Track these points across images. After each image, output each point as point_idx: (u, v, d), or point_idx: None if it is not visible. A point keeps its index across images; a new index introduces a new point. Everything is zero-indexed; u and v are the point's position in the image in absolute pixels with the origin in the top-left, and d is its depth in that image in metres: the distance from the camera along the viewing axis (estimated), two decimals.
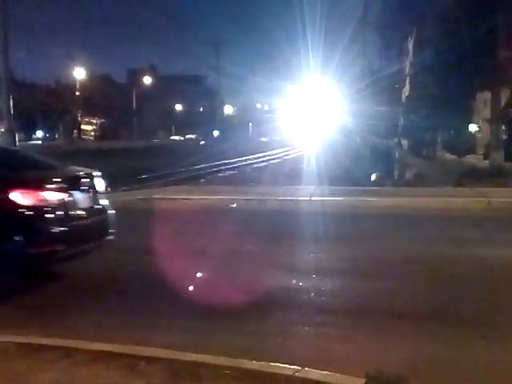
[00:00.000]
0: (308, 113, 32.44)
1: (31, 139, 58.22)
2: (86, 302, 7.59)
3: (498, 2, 24.87)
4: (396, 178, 26.13)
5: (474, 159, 31.69)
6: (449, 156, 33.19)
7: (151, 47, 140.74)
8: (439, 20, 26.44)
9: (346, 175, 21.98)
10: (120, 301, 7.57)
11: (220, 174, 33.37)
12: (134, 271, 9.05)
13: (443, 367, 5.41)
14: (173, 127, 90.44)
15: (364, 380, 4.44)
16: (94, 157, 35.53)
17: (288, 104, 37.56)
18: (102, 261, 9.02)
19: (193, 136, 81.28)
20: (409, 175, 26.02)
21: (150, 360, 5.24)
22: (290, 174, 25.54)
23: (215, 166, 36.22)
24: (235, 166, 38.58)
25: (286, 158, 45.88)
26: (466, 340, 6.07)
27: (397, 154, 29.51)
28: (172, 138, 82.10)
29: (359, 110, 28.89)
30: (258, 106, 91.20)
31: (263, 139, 68.92)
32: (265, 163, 40.89)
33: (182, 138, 78.89)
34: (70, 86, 74.34)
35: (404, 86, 30.51)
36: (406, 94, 30.29)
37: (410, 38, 29.79)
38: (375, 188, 19.50)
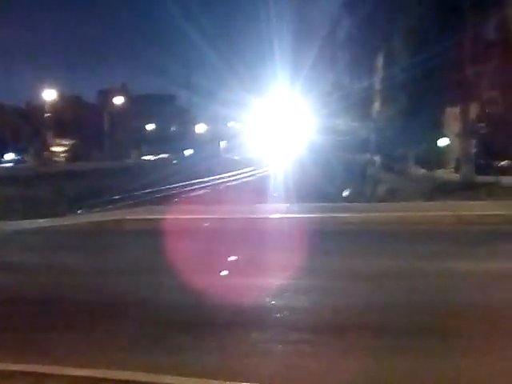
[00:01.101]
0: (279, 129, 32.48)
1: (1, 162, 57.53)
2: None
3: (465, 17, 25.22)
4: (368, 193, 26.20)
5: (445, 173, 31.94)
6: (420, 170, 33.41)
7: (122, 66, 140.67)
8: (407, 36, 26.74)
9: (317, 192, 21.93)
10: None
11: (193, 194, 33.21)
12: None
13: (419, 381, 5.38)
14: (145, 147, 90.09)
15: None
16: (67, 179, 35.27)
17: (258, 120, 37.54)
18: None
19: (165, 155, 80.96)
20: (381, 191, 26.09)
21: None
22: (263, 191, 25.49)
23: (188, 185, 36.06)
24: (208, 184, 38.44)
25: (257, 175, 45.84)
26: (443, 354, 6.04)
27: (368, 170, 29.63)
28: (144, 157, 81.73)
29: (330, 126, 29.03)
30: (230, 123, 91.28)
31: (235, 157, 68.85)
32: (237, 181, 40.73)
33: (154, 158, 78.54)
34: (41, 108, 73.86)
35: (375, 102, 30.76)
36: (377, 109, 30.53)
37: (378, 54, 30.09)
38: (347, 204, 19.51)
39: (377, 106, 30.45)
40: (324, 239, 12.97)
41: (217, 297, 8.28)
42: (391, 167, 31.57)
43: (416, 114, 27.04)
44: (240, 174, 46.28)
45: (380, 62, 29.99)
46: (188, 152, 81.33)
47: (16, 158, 70.23)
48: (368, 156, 32.68)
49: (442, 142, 35.91)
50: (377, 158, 32.67)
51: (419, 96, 27.17)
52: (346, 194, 23.96)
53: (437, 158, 32.82)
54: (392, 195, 23.12)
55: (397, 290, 8.52)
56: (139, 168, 43.20)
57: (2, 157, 67.28)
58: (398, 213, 16.07)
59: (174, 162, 68.51)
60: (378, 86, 30.50)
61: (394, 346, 6.27)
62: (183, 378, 5.32)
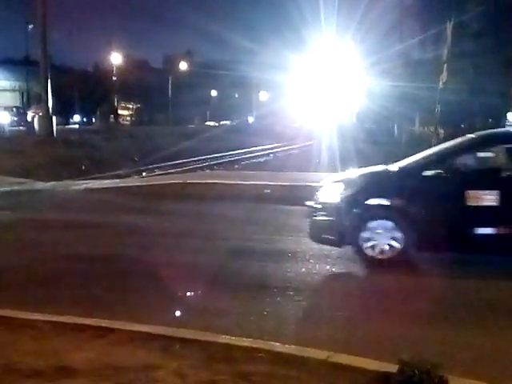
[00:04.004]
0: (338, 97, 32.11)
1: (69, 123, 58.71)
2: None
3: None
4: None
5: None
6: None
7: (188, 33, 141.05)
8: (479, 5, 25.98)
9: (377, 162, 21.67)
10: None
11: (254, 160, 33.36)
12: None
13: None
14: (208, 113, 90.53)
15: (397, 366, 4.43)
16: (132, 141, 35.82)
17: (322, 89, 37.15)
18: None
19: (228, 122, 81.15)
20: None
21: (184, 342, 5.30)
22: (327, 160, 25.32)
23: (248, 152, 36.21)
24: (269, 151, 38.50)
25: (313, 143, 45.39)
26: None
27: (433, 143, 29.09)
28: (207, 123, 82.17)
29: (391, 94, 28.54)
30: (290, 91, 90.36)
31: (294, 125, 68.10)
32: (296, 150, 40.41)
33: (216, 124, 78.87)
34: (108, 71, 74.90)
35: (441, 73, 30.07)
36: (444, 80, 29.84)
37: (448, 24, 29.32)
38: None
39: (444, 76, 29.73)
40: None
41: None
42: None
43: (484, 86, 26.38)
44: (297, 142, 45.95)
45: (449, 31, 29.22)
46: (251, 119, 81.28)
47: (82, 120, 71.60)
48: (433, 129, 32.08)
49: (511, 116, 34.98)
50: (441, 132, 32.05)
51: (488, 67, 26.48)
52: None
53: None
54: None
55: None
56: (202, 133, 43.48)
57: (72, 118, 68.62)
58: None
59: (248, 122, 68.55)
60: (445, 56, 29.79)
61: None
62: (233, 338, 5.46)
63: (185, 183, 16.88)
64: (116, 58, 74.29)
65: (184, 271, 8.19)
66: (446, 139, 30.55)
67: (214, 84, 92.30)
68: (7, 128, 40.93)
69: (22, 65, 66.84)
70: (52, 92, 30.92)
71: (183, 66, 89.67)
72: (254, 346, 5.22)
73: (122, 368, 4.74)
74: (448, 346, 5.58)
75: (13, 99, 68.50)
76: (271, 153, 38.20)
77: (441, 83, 29.58)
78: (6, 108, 52.64)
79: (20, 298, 6.85)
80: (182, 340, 5.34)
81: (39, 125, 31.91)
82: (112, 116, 70.25)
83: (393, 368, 4.44)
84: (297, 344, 5.36)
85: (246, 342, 5.34)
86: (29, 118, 47.00)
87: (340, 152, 24.46)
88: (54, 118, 31.38)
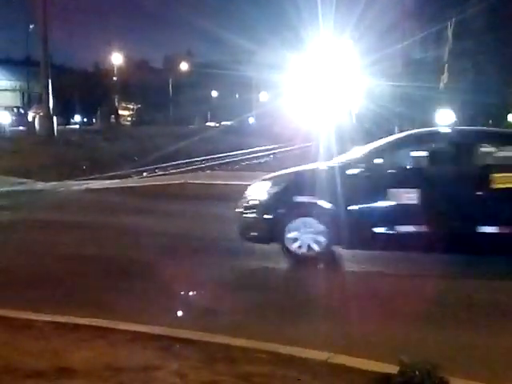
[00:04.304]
0: (336, 97, 32.03)
1: (69, 124, 58.69)
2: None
3: None
4: None
5: None
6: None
7: (188, 33, 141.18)
8: (480, 2, 25.93)
9: None
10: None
11: (255, 161, 33.30)
12: None
13: None
14: (208, 113, 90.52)
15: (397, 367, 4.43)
16: (132, 142, 35.77)
17: (322, 91, 37.12)
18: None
19: (228, 122, 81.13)
20: None
21: (185, 342, 5.30)
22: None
23: (249, 153, 36.13)
24: (269, 152, 38.38)
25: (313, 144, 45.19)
26: None
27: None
28: (208, 124, 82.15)
29: (390, 95, 28.51)
30: (291, 91, 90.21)
31: (293, 126, 67.73)
32: (297, 150, 40.17)
33: (217, 125, 78.85)
34: (108, 71, 74.91)
35: (442, 73, 30.09)
36: (445, 81, 29.87)
37: (449, 25, 29.34)
38: None
39: (445, 77, 29.74)
40: None
41: None
42: None
43: (484, 87, 26.37)
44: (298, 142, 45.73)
45: (450, 32, 29.23)
46: (252, 120, 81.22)
47: (83, 120, 71.56)
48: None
49: (511, 117, 34.93)
50: None
51: (489, 67, 26.45)
52: None
53: None
54: None
55: None
56: (202, 134, 43.47)
57: (72, 118, 68.60)
58: None
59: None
60: (446, 57, 29.81)
61: None
62: (233, 339, 5.45)
63: (185, 183, 16.90)
64: (116, 58, 74.29)
65: (185, 272, 8.20)
66: None
67: (214, 84, 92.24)
68: (8, 128, 40.92)
69: (22, 65, 66.90)
70: (53, 92, 30.95)
71: (183, 66, 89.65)
72: (255, 346, 5.22)
73: (122, 368, 4.74)
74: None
75: (13, 99, 68.50)
76: (267, 155, 37.98)
77: (442, 84, 29.63)
78: (7, 108, 52.64)
79: (20, 298, 6.84)
80: (183, 340, 5.34)
81: (40, 125, 31.94)
82: (112, 116, 70.18)
83: (393, 369, 4.44)
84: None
85: (246, 343, 5.33)
86: (29, 118, 47.00)
87: (339, 153, 24.36)
88: (54, 118, 31.40)
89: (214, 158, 31.48)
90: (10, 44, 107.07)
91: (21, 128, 42.28)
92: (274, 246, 9.00)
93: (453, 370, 4.52)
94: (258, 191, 9.15)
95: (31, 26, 51.59)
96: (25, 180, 19.93)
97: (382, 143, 9.38)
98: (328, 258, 8.70)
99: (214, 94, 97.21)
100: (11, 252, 9.42)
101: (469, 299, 7.10)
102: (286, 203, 8.86)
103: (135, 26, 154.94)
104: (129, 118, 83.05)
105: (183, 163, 27.98)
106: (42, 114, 32.88)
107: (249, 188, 9.38)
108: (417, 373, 4.24)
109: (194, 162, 29.16)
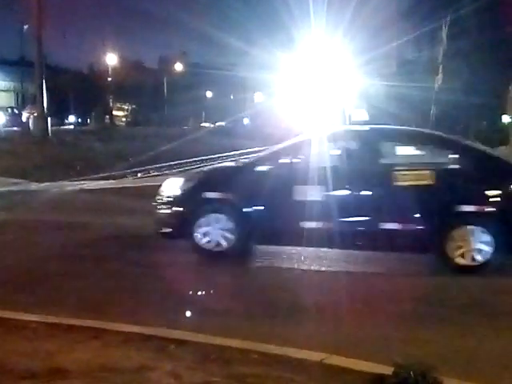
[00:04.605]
0: (326, 99, 31.93)
1: (64, 124, 58.50)
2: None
3: None
4: None
5: (508, 150, 31.06)
6: (481, 147, 32.38)
7: (182, 34, 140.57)
8: (475, 8, 25.95)
9: None
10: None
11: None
12: None
13: None
14: (203, 114, 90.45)
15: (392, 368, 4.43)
16: (127, 142, 35.73)
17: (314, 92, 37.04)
18: None
19: (223, 123, 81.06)
20: None
21: (179, 343, 5.29)
22: None
23: (243, 154, 36.07)
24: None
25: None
26: None
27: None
28: (202, 124, 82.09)
29: (385, 95, 28.49)
30: (285, 92, 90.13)
31: (284, 126, 67.59)
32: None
33: (212, 125, 78.79)
34: (103, 72, 74.75)
35: (436, 74, 30.09)
36: (439, 82, 29.88)
37: (443, 25, 29.35)
38: None
39: (439, 78, 29.74)
40: None
41: None
42: None
43: (479, 88, 26.39)
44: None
45: (444, 33, 29.24)
46: (246, 121, 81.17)
47: (77, 120, 71.39)
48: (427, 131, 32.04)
49: (505, 118, 34.96)
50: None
51: (483, 68, 26.45)
52: None
53: (499, 135, 31.94)
54: None
55: None
56: (196, 135, 43.44)
57: (67, 119, 68.38)
58: None
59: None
60: (441, 58, 29.83)
61: None
62: (228, 339, 5.45)
63: None
64: (111, 59, 74.16)
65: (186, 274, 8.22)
66: None
67: (209, 85, 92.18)
68: (2, 128, 40.79)
69: (17, 65, 66.66)
70: (47, 92, 30.88)
71: (178, 66, 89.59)
72: (249, 347, 5.22)
73: (116, 369, 4.73)
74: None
75: (8, 100, 68.31)
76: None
77: (436, 85, 29.63)
78: (1, 108, 52.50)
79: (13, 299, 6.82)
80: (177, 341, 5.34)
81: (34, 125, 31.85)
82: (107, 117, 70.04)
83: (388, 370, 4.44)
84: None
85: (240, 344, 5.33)
86: (24, 119, 46.85)
87: None
88: (48, 119, 31.32)
89: (207, 159, 31.41)
90: (5, 44, 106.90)
91: (15, 128, 42.13)
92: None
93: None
94: (172, 187, 9.28)
95: (25, 27, 51.44)
96: (19, 180, 19.87)
97: (290, 142, 9.60)
98: (236, 253, 8.84)
99: (209, 94, 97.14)
100: (4, 252, 9.36)
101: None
102: (197, 199, 9.01)
103: (130, 27, 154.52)
104: (123, 119, 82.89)
105: (177, 164, 27.93)
106: (36, 114, 32.79)
107: (163, 184, 9.49)
108: (411, 374, 4.25)
109: (187, 162, 29.09)
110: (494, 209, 8.36)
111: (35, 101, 33.26)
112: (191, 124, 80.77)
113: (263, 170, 8.91)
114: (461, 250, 8.33)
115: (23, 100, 68.19)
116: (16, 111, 56.25)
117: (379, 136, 9.27)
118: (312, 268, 8.72)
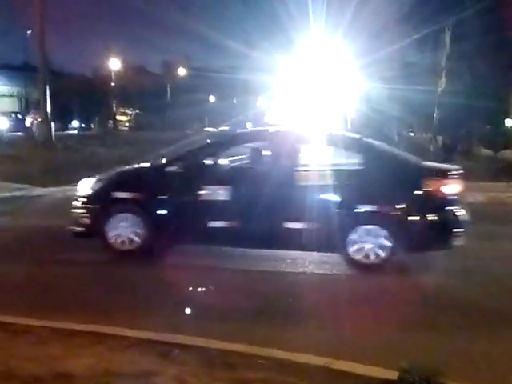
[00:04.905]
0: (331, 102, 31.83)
1: (67, 129, 58.58)
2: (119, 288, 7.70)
3: None
4: None
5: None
6: (484, 151, 32.34)
7: (185, 38, 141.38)
8: (478, 10, 25.85)
9: None
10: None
11: None
12: None
13: None
14: (206, 119, 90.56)
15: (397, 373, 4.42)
16: (130, 147, 35.78)
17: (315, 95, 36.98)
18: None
19: (226, 127, 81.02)
20: None
21: (183, 347, 5.28)
22: None
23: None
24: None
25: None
26: None
27: (432, 149, 29.05)
28: (206, 129, 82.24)
29: (387, 99, 28.40)
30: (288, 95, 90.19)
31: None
32: None
33: (215, 130, 78.87)
34: (106, 77, 74.86)
35: (439, 78, 30.00)
36: (442, 86, 29.80)
37: (446, 29, 29.28)
38: None
39: (442, 82, 29.65)
40: None
41: None
42: (454, 147, 30.71)
43: (482, 92, 26.29)
44: None
45: (447, 36, 29.15)
46: (249, 125, 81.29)
47: (81, 125, 71.46)
48: (431, 135, 32.03)
49: (509, 122, 34.87)
50: (439, 138, 31.96)
51: (486, 72, 26.37)
52: None
53: (503, 139, 31.85)
54: None
55: None
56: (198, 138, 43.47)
57: (70, 123, 68.42)
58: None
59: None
60: (444, 62, 29.76)
61: None
62: (233, 344, 5.43)
63: None
64: (114, 64, 74.33)
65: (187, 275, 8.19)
66: (444, 146, 30.61)
67: (212, 89, 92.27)
68: (6, 133, 40.84)
69: (20, 70, 66.81)
70: (50, 97, 30.91)
71: (181, 71, 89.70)
72: (253, 352, 5.21)
73: (120, 374, 4.73)
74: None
75: (11, 105, 68.46)
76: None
77: (439, 89, 29.54)
78: (5, 113, 52.54)
79: (17, 304, 6.81)
80: (181, 346, 5.33)
81: (38, 130, 31.89)
82: (110, 122, 70.18)
83: (393, 375, 4.43)
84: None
85: (244, 348, 5.32)
86: (27, 124, 46.92)
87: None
88: (52, 124, 31.36)
89: None
90: (8, 49, 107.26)
91: (19, 133, 42.18)
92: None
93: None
94: (85, 187, 9.37)
95: (29, 32, 51.52)
96: (23, 185, 19.85)
97: (200, 143, 9.72)
98: (146, 251, 8.95)
99: (212, 98, 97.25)
100: (8, 257, 9.33)
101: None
102: (106, 199, 9.11)
103: (133, 32, 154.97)
104: (127, 124, 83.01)
105: None
106: (39, 119, 32.83)
107: (78, 184, 9.57)
108: (416, 378, 4.24)
109: None
110: (394, 209, 8.45)
111: (39, 106, 33.31)
112: (195, 128, 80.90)
113: (172, 170, 9.01)
114: (360, 249, 8.46)
115: (27, 105, 68.35)
116: (20, 116, 56.33)
117: (284, 137, 9.28)
118: (316, 272, 8.67)
